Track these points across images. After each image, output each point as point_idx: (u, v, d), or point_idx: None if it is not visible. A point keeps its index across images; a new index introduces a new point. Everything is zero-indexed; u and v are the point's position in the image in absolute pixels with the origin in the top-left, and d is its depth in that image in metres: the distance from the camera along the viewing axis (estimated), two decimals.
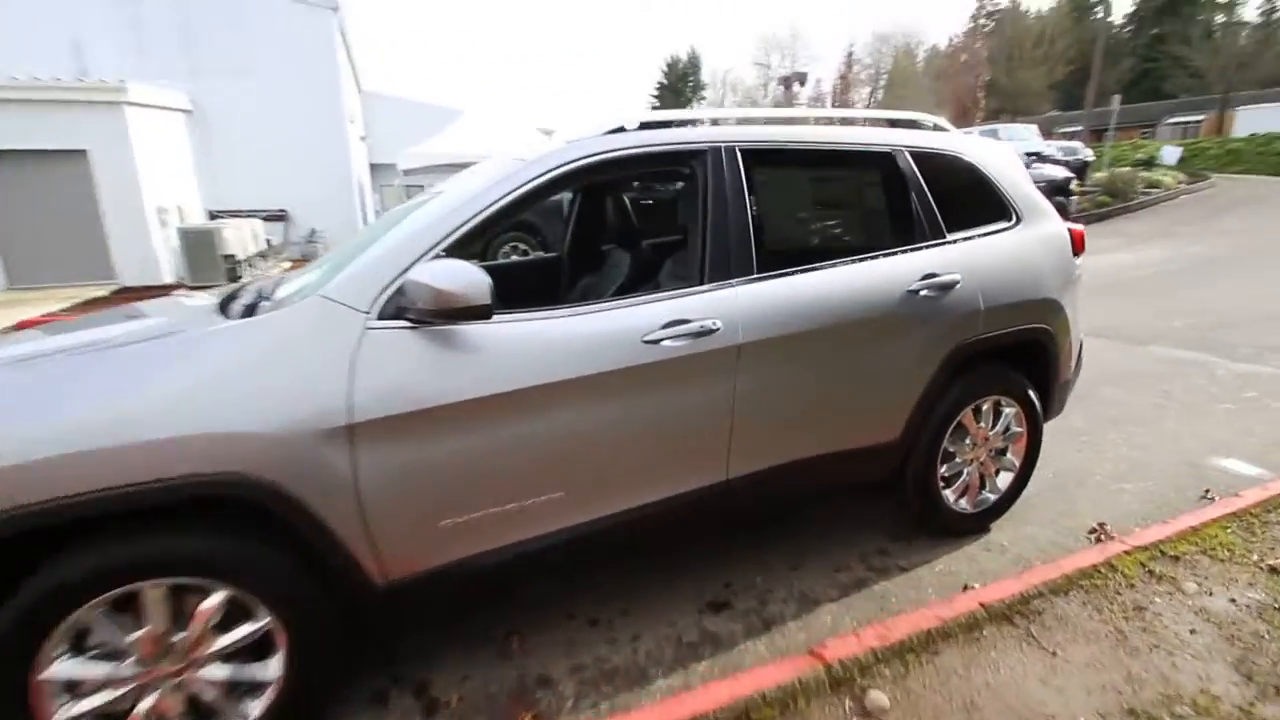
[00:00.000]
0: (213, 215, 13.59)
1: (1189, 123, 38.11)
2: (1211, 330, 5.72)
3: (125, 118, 11.11)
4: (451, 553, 1.68)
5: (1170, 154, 20.63)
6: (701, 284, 1.93)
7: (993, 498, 2.63)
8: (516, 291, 3.41)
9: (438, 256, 1.63)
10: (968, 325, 2.30)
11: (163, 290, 10.49)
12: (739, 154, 2.02)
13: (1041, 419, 2.63)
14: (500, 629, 2.10)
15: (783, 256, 2.08)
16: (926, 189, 2.33)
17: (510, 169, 1.79)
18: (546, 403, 1.68)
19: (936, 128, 2.56)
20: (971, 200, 2.49)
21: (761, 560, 2.46)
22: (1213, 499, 2.80)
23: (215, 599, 1.48)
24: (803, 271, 2.05)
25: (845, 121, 2.38)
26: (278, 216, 14.51)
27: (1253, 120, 32.08)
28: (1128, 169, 17.37)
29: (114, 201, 11.26)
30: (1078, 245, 2.69)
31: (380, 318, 1.56)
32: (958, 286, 2.25)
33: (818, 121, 2.32)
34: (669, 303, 1.86)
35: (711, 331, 1.85)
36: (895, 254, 2.23)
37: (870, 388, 2.19)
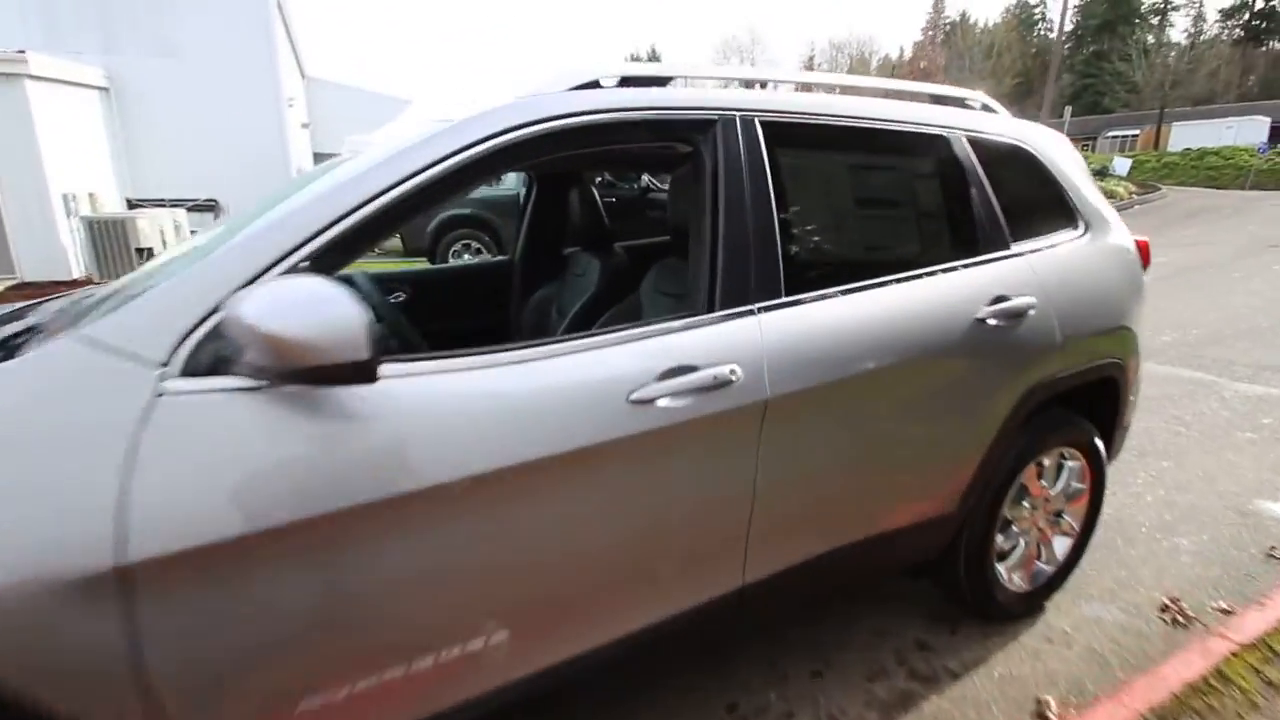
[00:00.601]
0: (132, 204, 12.31)
1: (1126, 136, 39.77)
2: (1202, 346, 5.47)
3: (25, 92, 9.86)
4: None
5: (1121, 165, 21.22)
6: (710, 310, 1.34)
7: (1049, 570, 2.13)
8: (449, 307, 2.77)
9: (294, 270, 0.98)
10: (1044, 362, 1.78)
11: (71, 286, 9.33)
12: (760, 128, 1.44)
13: (1105, 473, 2.15)
14: None
15: (818, 272, 1.51)
16: (987, 185, 1.80)
17: (426, 136, 1.15)
18: (478, 504, 1.06)
19: (985, 109, 2.05)
20: (1034, 202, 1.97)
21: (773, 664, 1.89)
22: None
23: None
24: (845, 293, 1.49)
25: (889, 94, 1.83)
26: (207, 206, 13.25)
27: (1185, 136, 33.62)
28: None
29: (13, 186, 9.97)
30: (1145, 260, 2.22)
31: (187, 374, 0.91)
32: (1032, 313, 1.73)
33: (843, 90, 1.76)
34: (663, 339, 1.27)
35: (727, 383, 1.26)
36: (955, 269, 1.68)
37: (927, 448, 1.64)
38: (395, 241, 8.92)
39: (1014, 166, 1.94)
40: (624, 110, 1.31)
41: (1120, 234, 2.15)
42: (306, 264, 0.99)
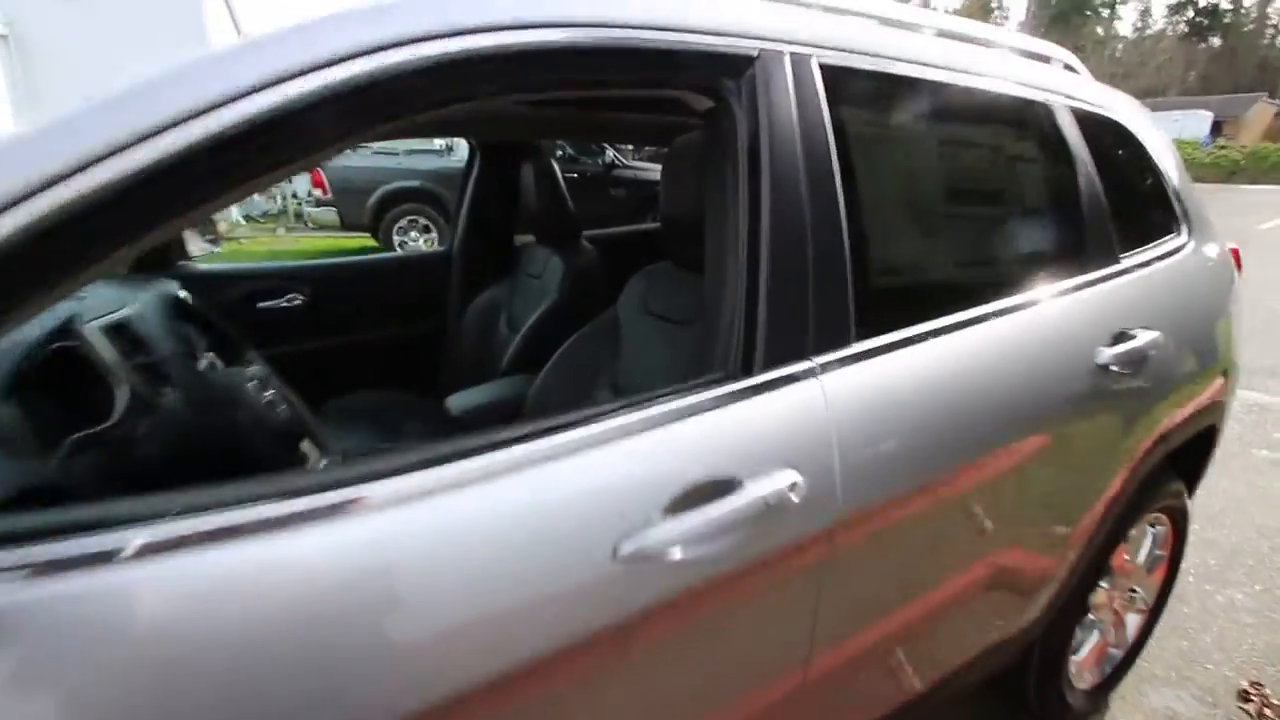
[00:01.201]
0: None
1: None
2: None
3: None
4: None
5: None
6: (747, 369, 0.81)
7: (1119, 654, 1.73)
8: (365, 312, 2.01)
9: None
10: (1160, 416, 1.33)
11: None
12: (819, 74, 0.91)
13: (1187, 535, 1.75)
14: None
15: (899, 303, 1.01)
16: (1096, 175, 1.32)
17: (194, 64, 0.58)
18: None
19: (1068, 70, 1.56)
20: (1134, 197, 1.52)
21: None
22: None
23: None
24: (936, 334, 0.98)
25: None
26: None
27: None
28: None
29: None
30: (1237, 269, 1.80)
31: None
32: (1153, 353, 1.27)
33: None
34: (672, 430, 0.73)
35: (784, 504, 0.75)
36: (1066, 294, 1.20)
37: (1025, 549, 1.18)
38: (331, 215, 8.02)
39: (1112, 148, 1.47)
40: (603, 28, 0.75)
41: (1218, 240, 1.72)
42: None
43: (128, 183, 0.50)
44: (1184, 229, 1.58)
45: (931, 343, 0.97)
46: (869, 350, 0.90)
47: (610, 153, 7.60)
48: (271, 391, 0.94)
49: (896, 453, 0.88)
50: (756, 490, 0.72)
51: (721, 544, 0.70)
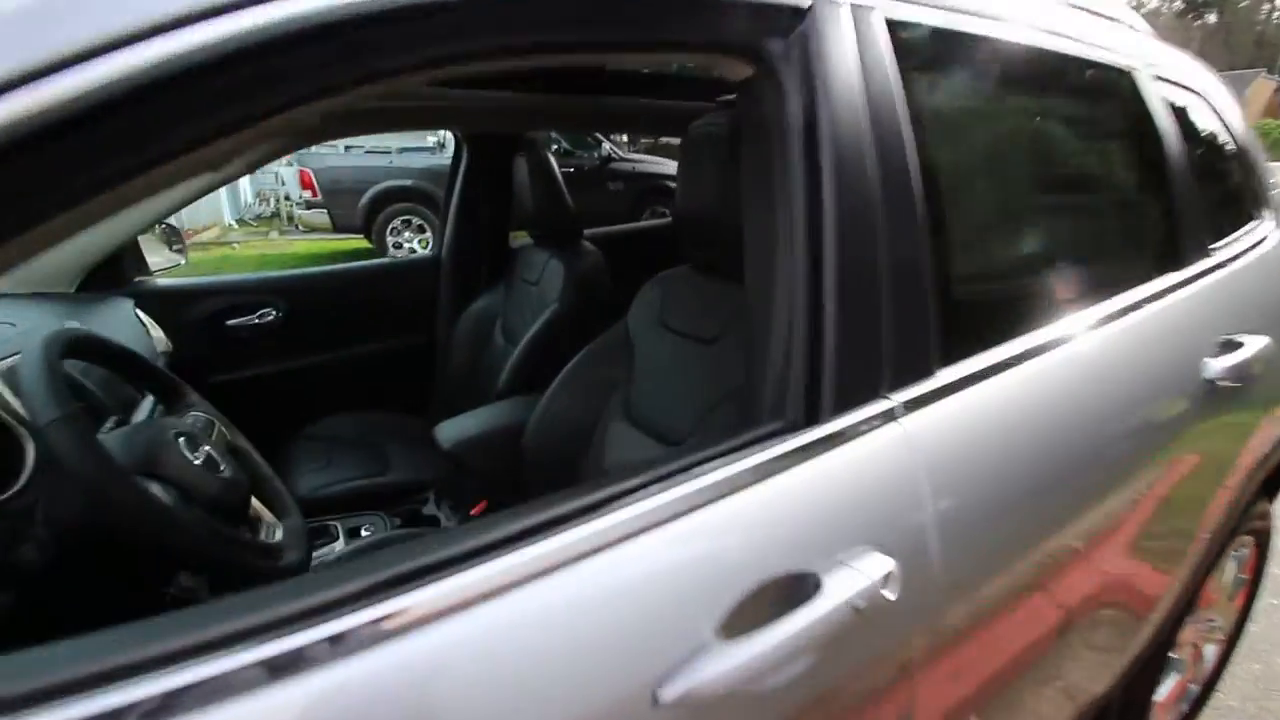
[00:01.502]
0: None
1: None
2: None
3: None
4: None
5: None
6: (812, 416, 0.62)
7: (1196, 690, 1.55)
8: (349, 324, 1.84)
9: None
10: (1264, 431, 1.14)
11: None
12: (884, 31, 0.72)
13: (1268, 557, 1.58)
14: None
15: (986, 317, 0.82)
16: (1187, 156, 1.13)
17: None
18: None
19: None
20: (1222, 181, 1.33)
21: None
22: None
23: None
24: (1028, 356, 0.79)
25: None
26: None
27: None
28: None
29: None
30: None
31: None
32: (1265, 361, 1.08)
33: None
34: (717, 511, 0.54)
35: (879, 606, 0.56)
36: (1163, 295, 1.01)
37: (1126, 600, 0.99)
38: (322, 217, 7.80)
39: (1195, 124, 1.28)
40: None
41: None
42: None
43: None
44: (1266, 213, 1.38)
45: (1026, 365, 0.78)
46: (955, 382, 0.71)
47: (606, 145, 7.38)
48: (206, 447, 0.75)
49: (997, 507, 0.70)
50: (840, 590, 0.53)
51: (798, 668, 0.51)
